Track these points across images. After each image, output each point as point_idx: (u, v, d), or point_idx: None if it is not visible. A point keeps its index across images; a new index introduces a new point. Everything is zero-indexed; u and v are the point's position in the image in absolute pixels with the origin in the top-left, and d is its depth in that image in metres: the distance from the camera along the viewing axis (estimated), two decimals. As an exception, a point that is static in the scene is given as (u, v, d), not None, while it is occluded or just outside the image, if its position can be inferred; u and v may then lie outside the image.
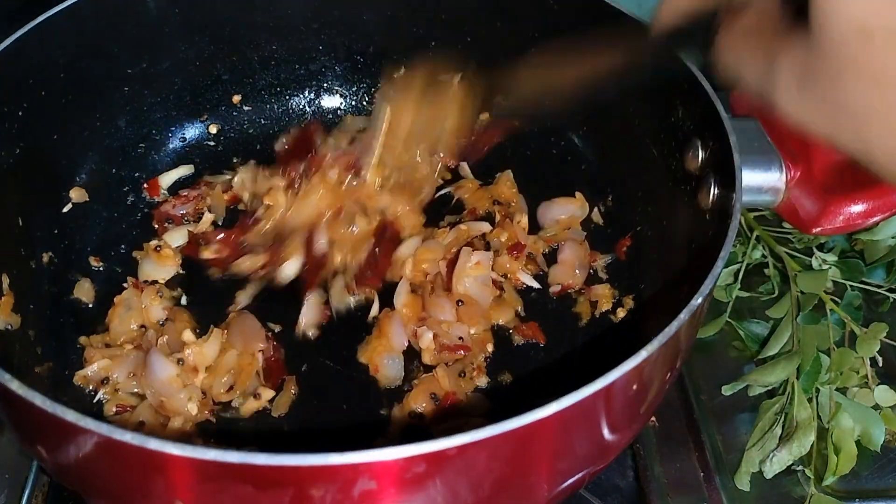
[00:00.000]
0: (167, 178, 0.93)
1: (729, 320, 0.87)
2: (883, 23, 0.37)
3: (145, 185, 0.92)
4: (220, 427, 0.75)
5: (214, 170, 0.95)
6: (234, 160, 0.96)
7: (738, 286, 0.89)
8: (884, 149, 0.41)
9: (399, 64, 0.97)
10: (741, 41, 0.48)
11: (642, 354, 0.54)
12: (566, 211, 0.91)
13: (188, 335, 0.76)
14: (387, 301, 0.82)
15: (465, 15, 0.92)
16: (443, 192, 0.93)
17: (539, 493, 0.60)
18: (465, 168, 0.95)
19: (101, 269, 0.86)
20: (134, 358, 0.77)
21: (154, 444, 0.47)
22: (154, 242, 0.86)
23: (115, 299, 0.82)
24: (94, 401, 0.75)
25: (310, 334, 0.81)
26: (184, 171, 0.94)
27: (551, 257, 0.88)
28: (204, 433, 0.74)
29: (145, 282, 0.84)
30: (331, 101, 1.00)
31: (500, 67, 0.74)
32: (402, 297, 0.82)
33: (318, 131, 0.92)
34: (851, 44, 0.38)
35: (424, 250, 0.84)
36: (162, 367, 0.74)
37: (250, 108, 0.98)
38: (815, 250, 0.90)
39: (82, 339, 0.80)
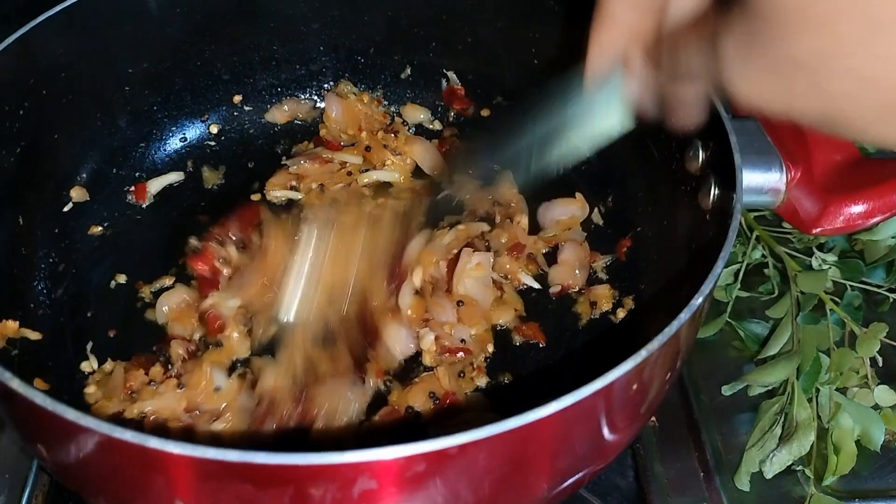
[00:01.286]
0: (156, 184, 0.92)
1: (729, 320, 0.87)
2: None
3: (132, 189, 0.91)
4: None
5: (213, 167, 0.95)
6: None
7: (738, 286, 0.89)
8: (842, 98, 0.39)
9: (399, 64, 0.98)
10: (682, 40, 0.48)
11: (642, 354, 0.54)
12: (566, 211, 0.91)
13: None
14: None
15: (466, 15, 0.92)
16: (444, 193, 0.93)
17: (539, 492, 0.60)
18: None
19: (101, 268, 0.86)
20: None
21: (154, 443, 0.47)
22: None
23: None
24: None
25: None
26: (174, 177, 0.93)
27: (551, 258, 0.88)
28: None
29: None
30: (331, 102, 1.00)
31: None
32: (407, 298, 0.81)
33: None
34: None
35: (426, 253, 0.84)
36: None
37: (251, 109, 0.98)
38: (814, 250, 0.90)
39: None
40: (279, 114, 0.99)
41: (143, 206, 0.91)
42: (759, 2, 0.39)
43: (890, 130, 0.40)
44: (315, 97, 0.99)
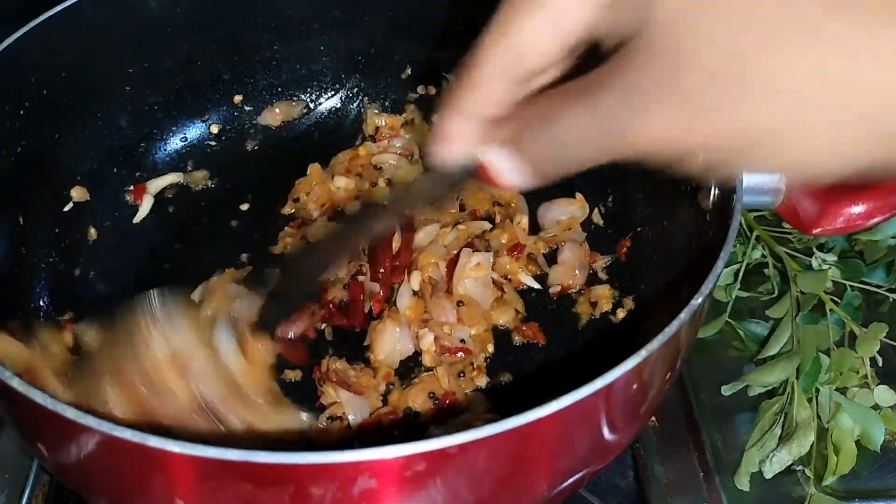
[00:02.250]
0: (154, 185, 0.92)
1: (729, 320, 0.87)
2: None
3: (132, 189, 0.92)
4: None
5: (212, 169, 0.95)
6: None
7: (738, 286, 0.89)
8: (718, 141, 0.41)
9: (399, 64, 0.98)
10: (555, 105, 0.46)
11: (642, 354, 0.54)
12: (566, 211, 0.91)
13: None
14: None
15: (466, 16, 0.92)
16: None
17: (539, 492, 0.60)
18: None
19: (101, 268, 0.86)
20: None
21: (154, 442, 0.47)
22: None
23: None
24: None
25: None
26: (173, 178, 0.93)
27: (551, 258, 0.88)
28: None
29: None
30: (331, 102, 1.00)
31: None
32: (405, 299, 0.81)
33: None
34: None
35: (425, 254, 0.84)
36: None
37: (251, 108, 0.98)
38: (814, 250, 0.90)
39: None
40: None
41: (144, 206, 0.91)
42: (656, 43, 0.40)
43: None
44: (316, 97, 0.99)
